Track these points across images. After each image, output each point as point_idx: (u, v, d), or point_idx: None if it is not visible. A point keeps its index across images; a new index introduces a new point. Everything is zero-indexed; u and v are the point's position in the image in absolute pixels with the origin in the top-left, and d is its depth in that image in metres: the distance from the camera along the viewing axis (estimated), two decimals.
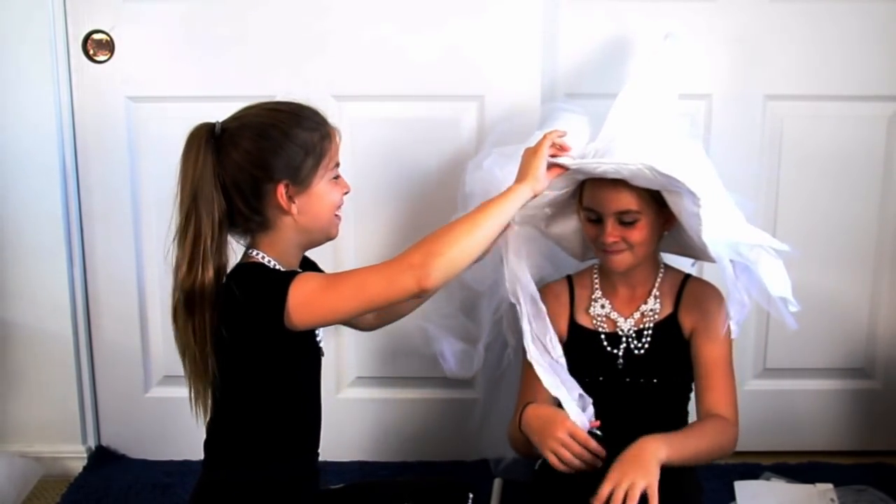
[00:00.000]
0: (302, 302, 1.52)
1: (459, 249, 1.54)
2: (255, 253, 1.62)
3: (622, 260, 1.80)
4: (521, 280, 1.82)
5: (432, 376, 2.13)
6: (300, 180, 1.58)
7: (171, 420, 2.23)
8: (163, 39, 2.13)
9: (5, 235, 2.18)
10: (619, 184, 1.73)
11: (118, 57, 2.12)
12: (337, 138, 1.64)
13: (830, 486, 2.10)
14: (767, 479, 2.17)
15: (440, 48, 2.13)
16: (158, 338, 2.27)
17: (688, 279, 1.90)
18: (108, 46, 2.12)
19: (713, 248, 1.67)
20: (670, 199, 1.73)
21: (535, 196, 1.68)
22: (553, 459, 1.68)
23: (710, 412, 1.79)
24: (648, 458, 1.61)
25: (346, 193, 1.68)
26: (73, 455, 2.27)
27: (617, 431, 1.75)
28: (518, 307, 1.81)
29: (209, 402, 1.63)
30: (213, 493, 1.65)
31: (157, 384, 2.30)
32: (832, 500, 2.06)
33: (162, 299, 2.25)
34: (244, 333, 1.56)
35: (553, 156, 1.73)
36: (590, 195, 1.79)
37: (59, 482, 2.22)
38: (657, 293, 1.87)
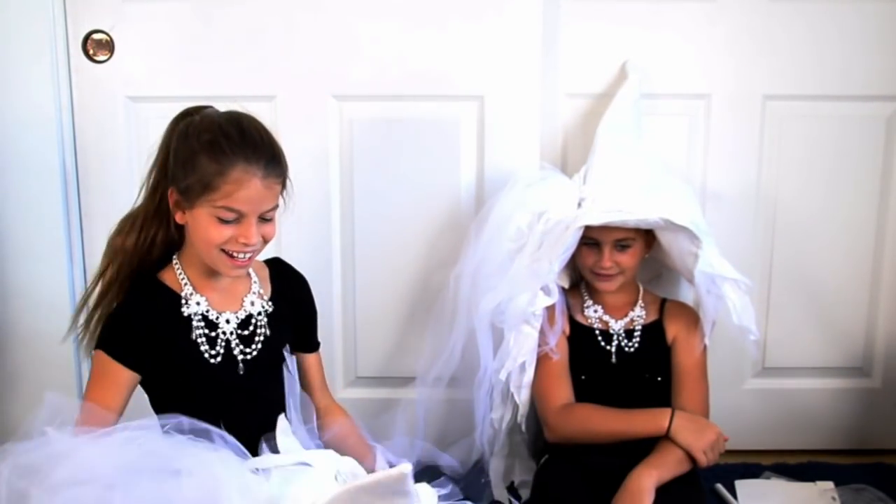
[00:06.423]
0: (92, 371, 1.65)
1: None
2: (174, 261, 1.70)
3: (615, 281, 1.99)
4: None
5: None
6: (186, 196, 1.59)
7: None
8: (163, 39, 2.12)
9: (5, 235, 2.17)
10: None
11: (118, 57, 2.12)
12: (244, 187, 1.56)
13: (831, 484, 2.10)
14: (768, 478, 2.17)
15: (440, 48, 2.13)
16: None
17: (666, 299, 2.10)
18: (108, 46, 2.12)
19: (698, 278, 1.94)
20: (662, 235, 1.97)
21: None
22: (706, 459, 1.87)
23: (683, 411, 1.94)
24: (641, 491, 1.79)
25: (245, 244, 1.59)
26: None
27: None
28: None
29: None
30: None
31: None
32: (833, 498, 2.06)
33: None
34: None
35: None
36: (592, 227, 1.95)
37: None
38: (642, 304, 2.06)
